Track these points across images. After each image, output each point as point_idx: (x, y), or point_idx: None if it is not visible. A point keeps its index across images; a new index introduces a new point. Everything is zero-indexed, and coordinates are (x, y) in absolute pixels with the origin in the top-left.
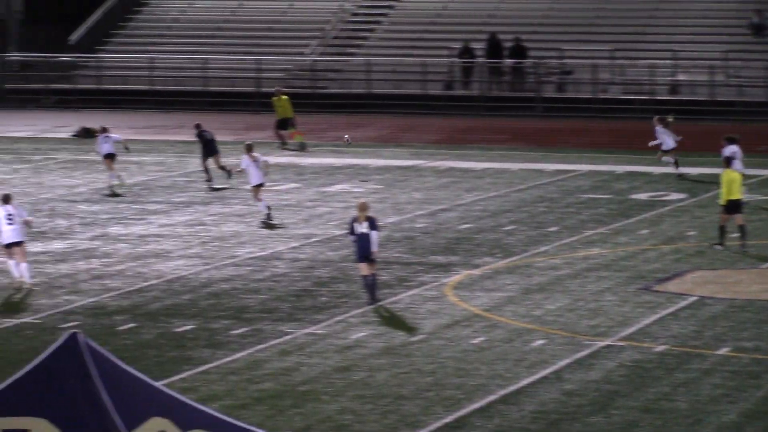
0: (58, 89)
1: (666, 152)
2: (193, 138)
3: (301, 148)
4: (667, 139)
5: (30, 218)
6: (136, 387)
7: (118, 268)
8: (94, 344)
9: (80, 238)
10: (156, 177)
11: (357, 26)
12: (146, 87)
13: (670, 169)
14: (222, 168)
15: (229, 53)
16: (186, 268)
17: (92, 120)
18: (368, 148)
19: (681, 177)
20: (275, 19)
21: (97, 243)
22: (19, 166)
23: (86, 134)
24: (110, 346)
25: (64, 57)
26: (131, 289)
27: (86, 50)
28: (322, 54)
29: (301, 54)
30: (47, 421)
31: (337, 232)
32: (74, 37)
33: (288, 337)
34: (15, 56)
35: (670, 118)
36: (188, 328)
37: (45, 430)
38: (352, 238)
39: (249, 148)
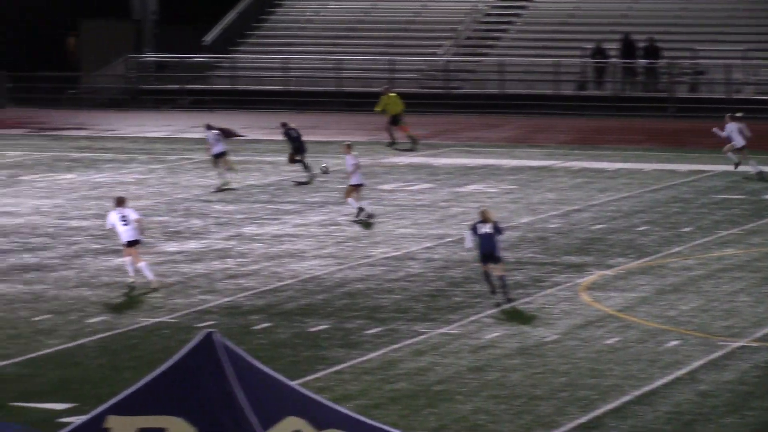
0: (193, 90)
1: (739, 150)
2: (284, 136)
3: (413, 143)
4: (737, 137)
5: (141, 218)
6: (272, 386)
7: (253, 267)
8: (229, 343)
9: (215, 238)
10: (290, 177)
11: (490, 26)
12: (280, 88)
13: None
14: (298, 162)
15: (362, 54)
16: (320, 268)
17: (226, 121)
18: (501, 148)
19: (759, 175)
20: (409, 20)
21: (232, 243)
22: (155, 166)
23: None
24: (245, 345)
25: (199, 58)
26: (266, 288)
27: (220, 51)
28: (455, 54)
29: (435, 54)
30: (183, 419)
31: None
32: (209, 38)
33: (422, 337)
34: (150, 57)
35: (739, 114)
36: (323, 327)
37: (181, 428)
38: (469, 242)
39: (349, 148)
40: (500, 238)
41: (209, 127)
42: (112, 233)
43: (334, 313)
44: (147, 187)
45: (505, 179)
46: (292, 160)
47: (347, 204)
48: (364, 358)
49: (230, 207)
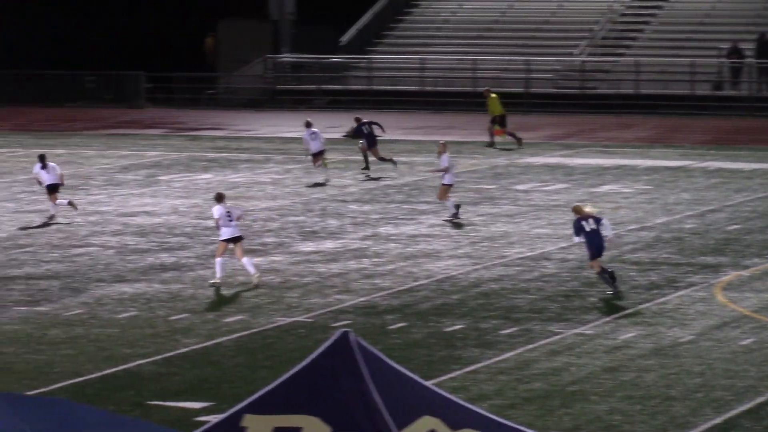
0: (330, 90)
1: None
2: (355, 131)
3: (518, 142)
4: None
5: (242, 213)
6: (407, 386)
7: (389, 267)
8: (364, 343)
9: (351, 238)
10: (426, 177)
11: (626, 26)
12: (416, 88)
13: None
14: (382, 159)
15: (498, 54)
16: (455, 268)
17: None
18: (637, 148)
19: None
20: (544, 20)
21: (368, 243)
22: (292, 167)
23: (357, 135)
24: (380, 345)
25: (336, 58)
26: (401, 288)
27: (357, 51)
28: (590, 54)
29: (570, 54)
30: (319, 419)
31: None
32: (345, 38)
33: (557, 337)
34: (287, 57)
35: None
36: (458, 327)
37: (317, 427)
38: (578, 239)
39: (444, 147)
40: (604, 224)
41: (308, 125)
42: (248, 233)
43: (469, 313)
44: (283, 188)
45: (641, 179)
46: (378, 157)
47: (444, 205)
48: (499, 358)
49: (366, 207)
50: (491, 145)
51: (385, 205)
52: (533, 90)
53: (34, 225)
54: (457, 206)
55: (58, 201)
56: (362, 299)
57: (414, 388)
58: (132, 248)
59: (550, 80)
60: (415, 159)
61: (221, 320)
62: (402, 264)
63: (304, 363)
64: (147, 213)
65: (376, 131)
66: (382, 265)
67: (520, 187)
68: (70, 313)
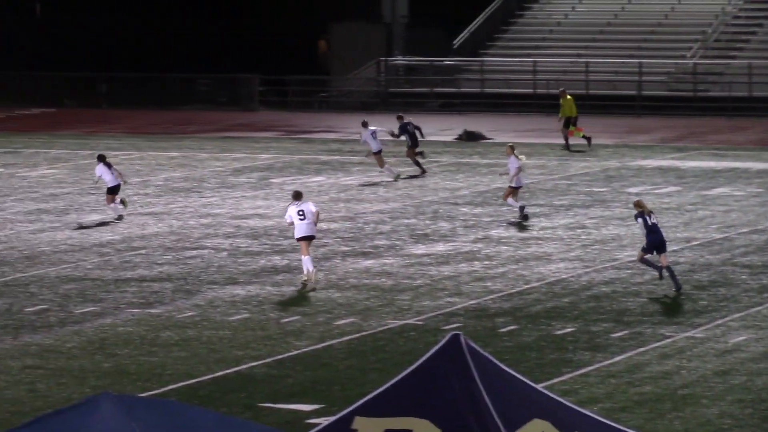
0: (442, 93)
1: None
2: (399, 130)
3: (588, 143)
4: None
5: (318, 210)
6: (517, 389)
7: (500, 270)
8: (475, 346)
9: (463, 241)
10: (538, 180)
11: (738, 29)
12: (529, 90)
13: None
14: (417, 157)
15: (610, 57)
16: (566, 271)
17: (475, 124)
18: (749, 151)
19: None
20: (657, 23)
21: (479, 245)
22: (404, 169)
23: (469, 137)
24: (491, 348)
25: (448, 61)
26: (512, 291)
27: (469, 54)
28: (703, 57)
29: (683, 57)
30: (429, 421)
31: (717, 236)
32: (458, 41)
33: (668, 341)
34: (399, 60)
35: None
36: (568, 330)
37: (427, 430)
38: (644, 231)
39: (512, 149)
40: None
41: (365, 125)
42: (360, 235)
43: (580, 316)
44: (395, 190)
45: (753, 182)
46: (412, 159)
47: (507, 205)
48: (610, 361)
49: (477, 210)
50: (567, 147)
51: (496, 208)
52: (645, 93)
53: (100, 225)
54: (522, 208)
55: (113, 205)
56: (473, 302)
57: (524, 391)
58: (244, 251)
59: (663, 83)
60: (527, 162)
61: (333, 323)
62: (513, 267)
63: (414, 365)
64: (259, 215)
65: (418, 134)
66: (493, 267)
67: (631, 189)
68: (183, 315)
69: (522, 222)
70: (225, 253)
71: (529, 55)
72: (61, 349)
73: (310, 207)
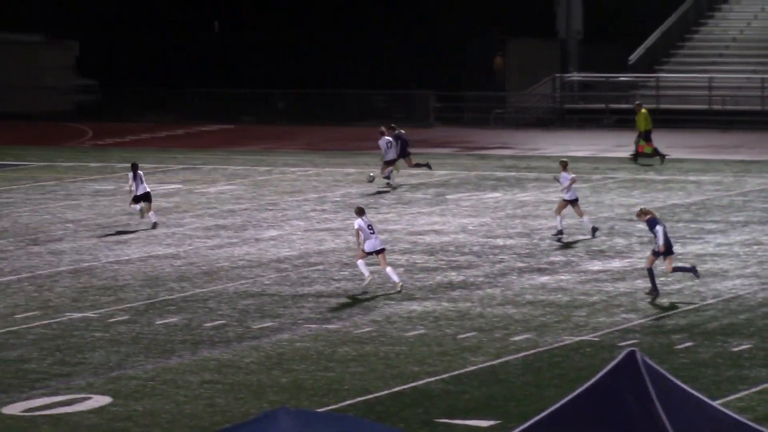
0: (617, 109)
1: None
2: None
3: (660, 159)
4: None
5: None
6: (694, 406)
7: (676, 287)
8: (651, 363)
9: (639, 257)
10: (713, 197)
11: None
12: (704, 107)
13: None
14: (417, 165)
15: None
16: (743, 288)
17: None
18: None
19: None
20: None
21: (655, 262)
22: (579, 186)
23: (653, 154)
24: (667, 364)
25: (624, 77)
26: (689, 308)
27: (645, 70)
28: None
29: None
30: None
31: None
32: (633, 57)
33: None
34: (575, 76)
35: None
36: (745, 347)
37: None
38: (661, 228)
39: (565, 165)
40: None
41: (382, 133)
42: (536, 251)
43: (757, 333)
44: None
45: None
46: (412, 165)
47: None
48: None
49: (657, 227)
50: (635, 159)
51: (672, 224)
52: None
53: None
54: (594, 230)
55: (134, 206)
56: (649, 318)
57: (701, 409)
58: (420, 266)
59: None
60: (702, 178)
61: (509, 339)
62: (689, 283)
63: (590, 382)
64: (435, 232)
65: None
66: (668, 284)
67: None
68: (360, 330)
69: (593, 236)
70: (402, 269)
71: (704, 71)
72: (239, 364)
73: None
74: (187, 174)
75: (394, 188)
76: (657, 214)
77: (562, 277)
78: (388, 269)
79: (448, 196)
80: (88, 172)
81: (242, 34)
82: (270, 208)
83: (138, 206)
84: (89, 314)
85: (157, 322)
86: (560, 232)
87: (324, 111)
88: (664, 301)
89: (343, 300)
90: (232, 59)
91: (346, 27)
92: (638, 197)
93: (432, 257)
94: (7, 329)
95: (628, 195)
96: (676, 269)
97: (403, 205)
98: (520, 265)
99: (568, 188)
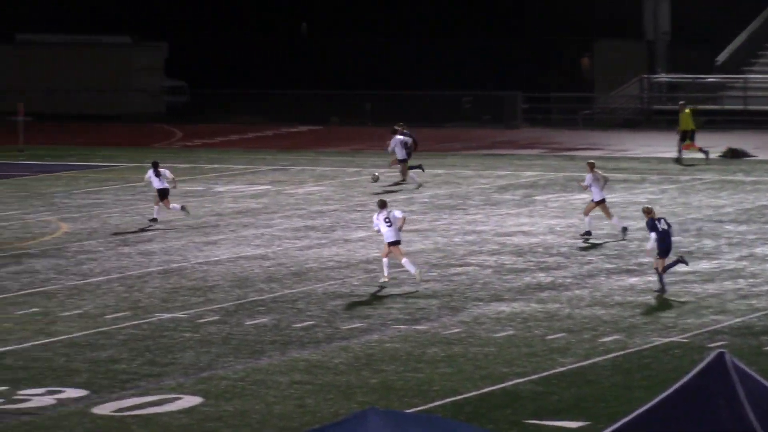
0: (705, 110)
1: None
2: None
3: (706, 157)
4: None
5: (404, 216)
6: None
7: (765, 288)
8: (741, 364)
9: (727, 258)
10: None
11: None
12: None
13: None
14: (411, 168)
15: None
16: None
17: (738, 141)
18: None
19: None
20: None
21: (744, 263)
22: (667, 187)
23: (733, 155)
24: (756, 366)
25: (711, 78)
26: None
27: (732, 71)
28: None
29: None
30: None
31: None
32: (721, 58)
33: None
34: (663, 77)
35: None
36: None
37: None
38: (654, 235)
39: (592, 166)
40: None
41: (394, 132)
42: (624, 252)
43: None
44: (659, 207)
45: None
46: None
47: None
48: None
49: (742, 227)
50: (679, 161)
51: (761, 225)
52: None
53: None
54: (624, 229)
55: (171, 206)
56: (738, 320)
57: None
58: (509, 267)
59: None
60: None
61: (597, 340)
62: None
63: (679, 383)
64: (523, 233)
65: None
66: (758, 285)
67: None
68: (449, 331)
69: (623, 238)
70: (490, 270)
71: None
72: (328, 364)
73: (395, 213)
74: (276, 175)
75: (419, 186)
76: (652, 215)
77: (651, 278)
78: (404, 260)
79: (536, 198)
80: (177, 173)
81: (330, 35)
82: (359, 209)
83: (178, 206)
84: (179, 315)
85: (247, 323)
86: (587, 233)
87: (412, 112)
88: (753, 302)
89: (432, 301)
90: (320, 61)
91: (434, 29)
92: (726, 198)
93: (520, 258)
94: (98, 330)
95: (716, 196)
96: (665, 268)
97: (491, 206)
98: (609, 266)
99: (601, 187)
